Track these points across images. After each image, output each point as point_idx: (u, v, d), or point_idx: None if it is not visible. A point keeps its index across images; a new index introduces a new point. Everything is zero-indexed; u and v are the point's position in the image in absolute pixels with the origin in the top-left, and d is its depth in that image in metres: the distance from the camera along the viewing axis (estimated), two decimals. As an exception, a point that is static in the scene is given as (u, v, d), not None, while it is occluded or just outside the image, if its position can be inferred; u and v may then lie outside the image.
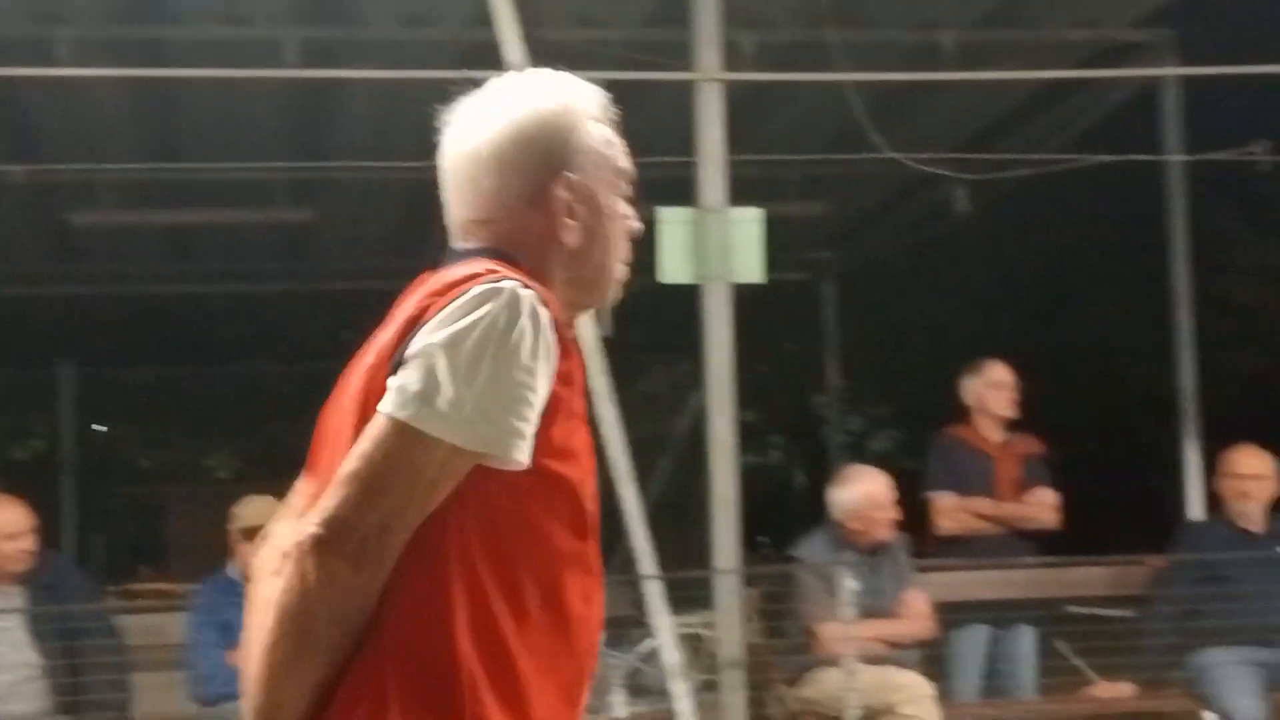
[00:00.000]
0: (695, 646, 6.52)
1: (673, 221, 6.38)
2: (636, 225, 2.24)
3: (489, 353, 1.97)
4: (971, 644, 6.87)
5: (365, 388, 2.04)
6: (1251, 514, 6.93)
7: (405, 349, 2.00)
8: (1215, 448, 7.38)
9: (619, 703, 6.72)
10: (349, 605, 1.95)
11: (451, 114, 2.21)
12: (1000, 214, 11.16)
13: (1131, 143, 8.11)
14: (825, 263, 12.03)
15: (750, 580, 6.80)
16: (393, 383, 1.98)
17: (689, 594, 6.78)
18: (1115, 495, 14.61)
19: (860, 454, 16.16)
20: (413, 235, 9.27)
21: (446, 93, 2.24)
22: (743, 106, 7.05)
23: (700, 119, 6.46)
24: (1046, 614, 7.01)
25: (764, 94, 7.85)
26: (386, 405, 1.98)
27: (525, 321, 1.98)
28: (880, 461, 8.95)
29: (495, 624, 1.98)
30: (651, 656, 6.55)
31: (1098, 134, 8.75)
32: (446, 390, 1.95)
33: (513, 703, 1.97)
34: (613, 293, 2.24)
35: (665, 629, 6.21)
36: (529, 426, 1.98)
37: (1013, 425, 7.10)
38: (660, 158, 5.22)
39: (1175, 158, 8.07)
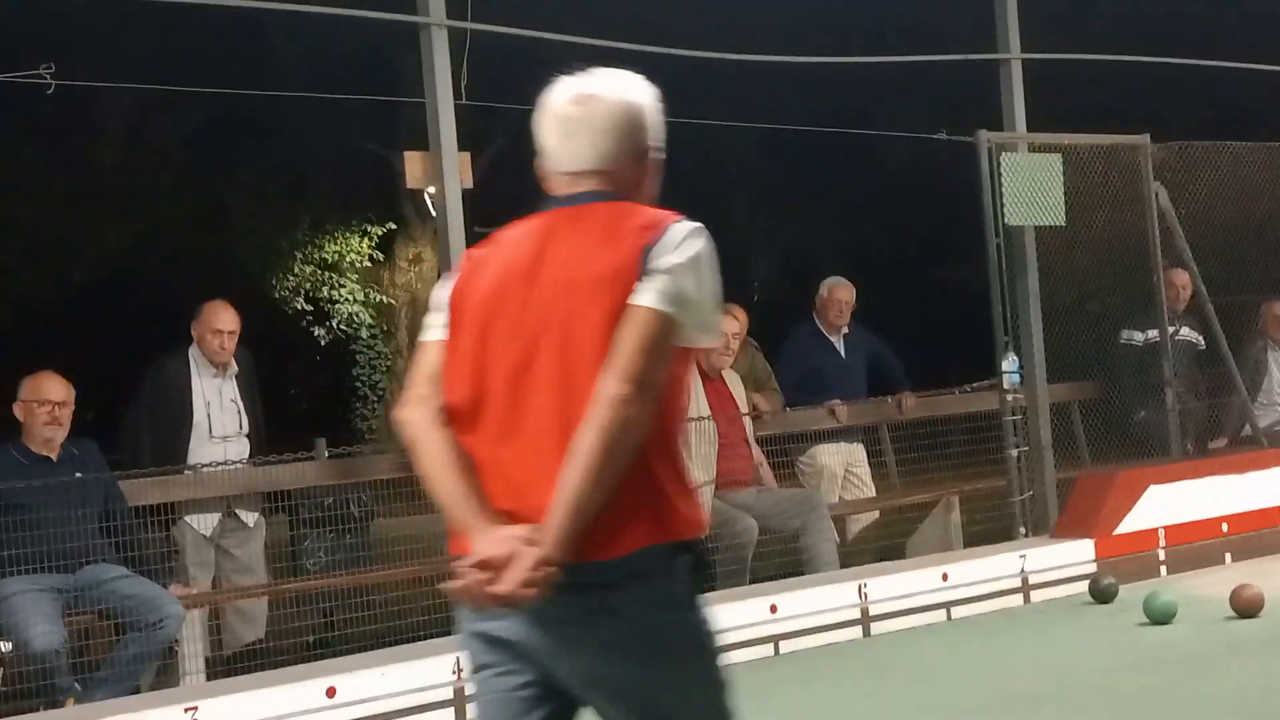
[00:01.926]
0: None
1: None
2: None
3: (708, 272, 2.97)
4: None
5: (614, 293, 2.89)
6: (48, 439, 6.93)
7: (645, 264, 2.90)
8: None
9: None
10: (641, 434, 2.87)
11: (557, 94, 3.06)
12: None
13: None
14: None
15: None
16: (649, 286, 2.89)
17: None
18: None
19: None
20: None
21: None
22: None
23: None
24: None
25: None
26: (651, 303, 2.89)
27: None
28: None
29: (673, 430, 2.98)
30: None
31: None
32: (691, 296, 2.92)
33: (682, 476, 3.00)
34: None
35: None
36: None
37: None
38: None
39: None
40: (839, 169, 20.94)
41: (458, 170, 7.45)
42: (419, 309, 18.80)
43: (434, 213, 9.09)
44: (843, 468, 9.46)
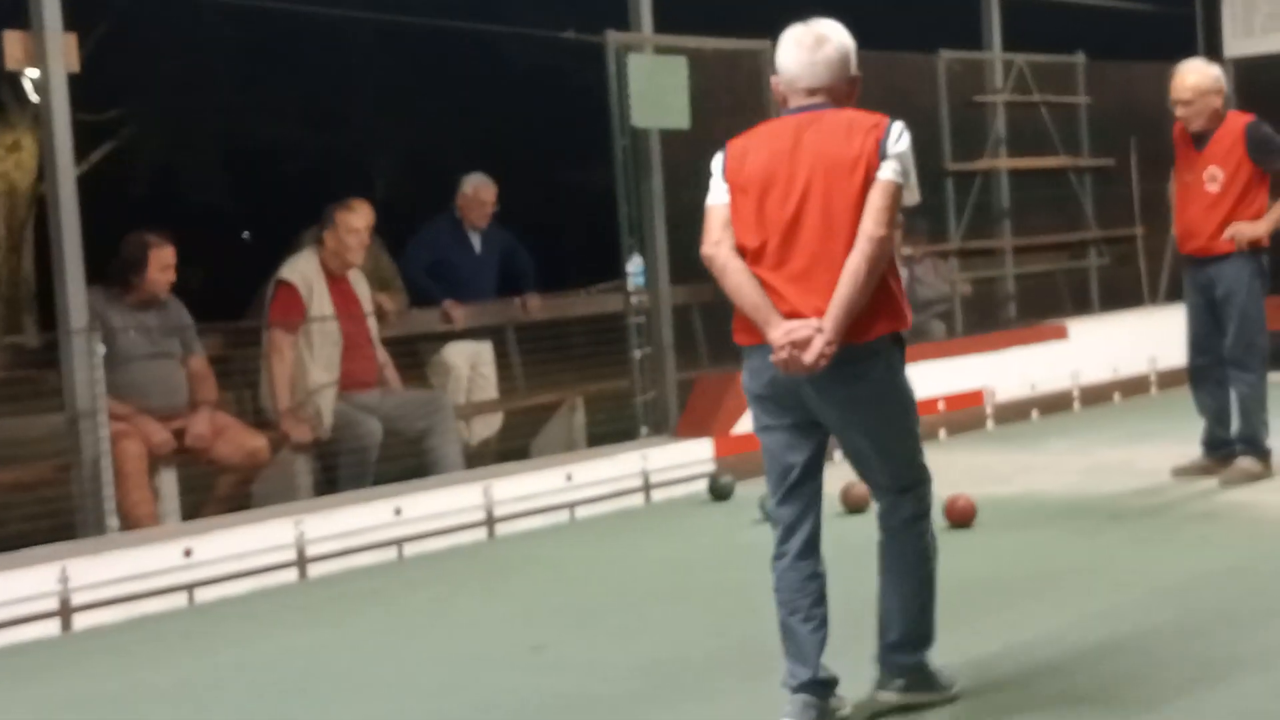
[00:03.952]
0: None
1: None
2: None
3: (911, 154, 4.38)
4: None
5: (863, 170, 4.30)
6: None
7: (883, 151, 4.30)
8: None
9: None
10: (886, 261, 4.31)
11: (793, 35, 4.46)
12: None
13: None
14: None
15: None
16: (886, 167, 4.30)
17: None
18: None
19: None
20: None
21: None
22: None
23: None
24: None
25: None
26: (890, 176, 4.30)
27: None
28: None
29: (894, 259, 4.45)
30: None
31: None
32: (910, 170, 4.35)
33: (902, 289, 4.47)
34: None
35: None
36: None
37: None
38: None
39: None
40: (465, 66, 20.70)
41: (62, 52, 7.00)
42: (18, 199, 17.79)
43: (35, 97, 8.54)
44: (469, 368, 9.39)
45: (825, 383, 4.33)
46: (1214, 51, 13.19)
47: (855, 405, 4.39)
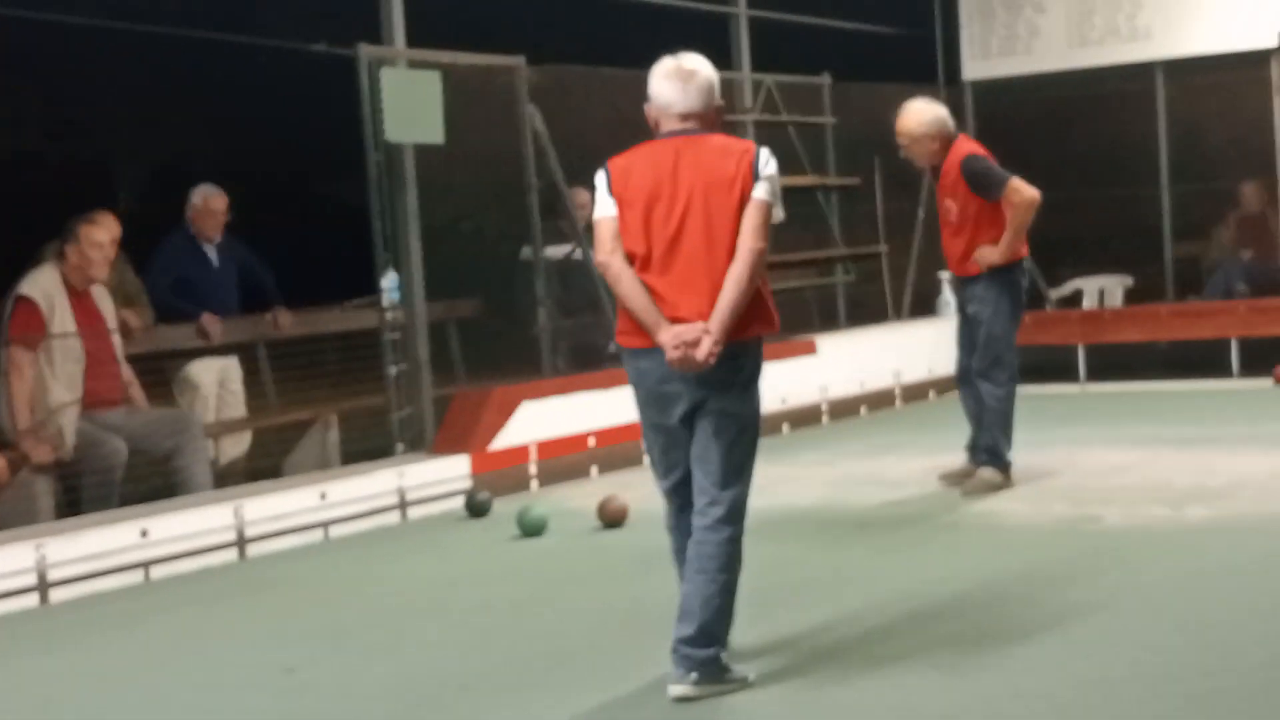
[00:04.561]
0: None
1: None
2: None
3: (778, 176, 4.98)
4: None
5: (739, 189, 4.86)
6: None
7: (756, 173, 4.87)
8: None
9: None
10: (761, 271, 4.90)
11: (666, 67, 5.01)
12: None
13: None
14: None
15: None
16: (760, 188, 4.87)
17: None
18: None
19: None
20: None
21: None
22: None
23: None
24: None
25: None
26: (763, 196, 4.88)
27: None
28: None
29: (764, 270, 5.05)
30: None
31: None
32: (777, 192, 4.93)
33: (769, 295, 5.01)
34: None
35: None
36: None
37: None
38: None
39: None
40: (213, 77, 20.28)
41: None
42: None
43: None
44: (218, 385, 9.19)
45: (709, 376, 4.87)
46: (952, 74, 13.66)
47: (725, 390, 4.91)
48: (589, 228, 10.20)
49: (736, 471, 4.94)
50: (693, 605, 4.81)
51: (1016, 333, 8.13)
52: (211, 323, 9.01)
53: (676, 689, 4.77)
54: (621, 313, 4.98)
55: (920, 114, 8.02)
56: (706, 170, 4.87)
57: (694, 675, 4.77)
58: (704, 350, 4.79)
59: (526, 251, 10.01)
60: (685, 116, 4.95)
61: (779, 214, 4.95)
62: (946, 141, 8.02)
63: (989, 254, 7.91)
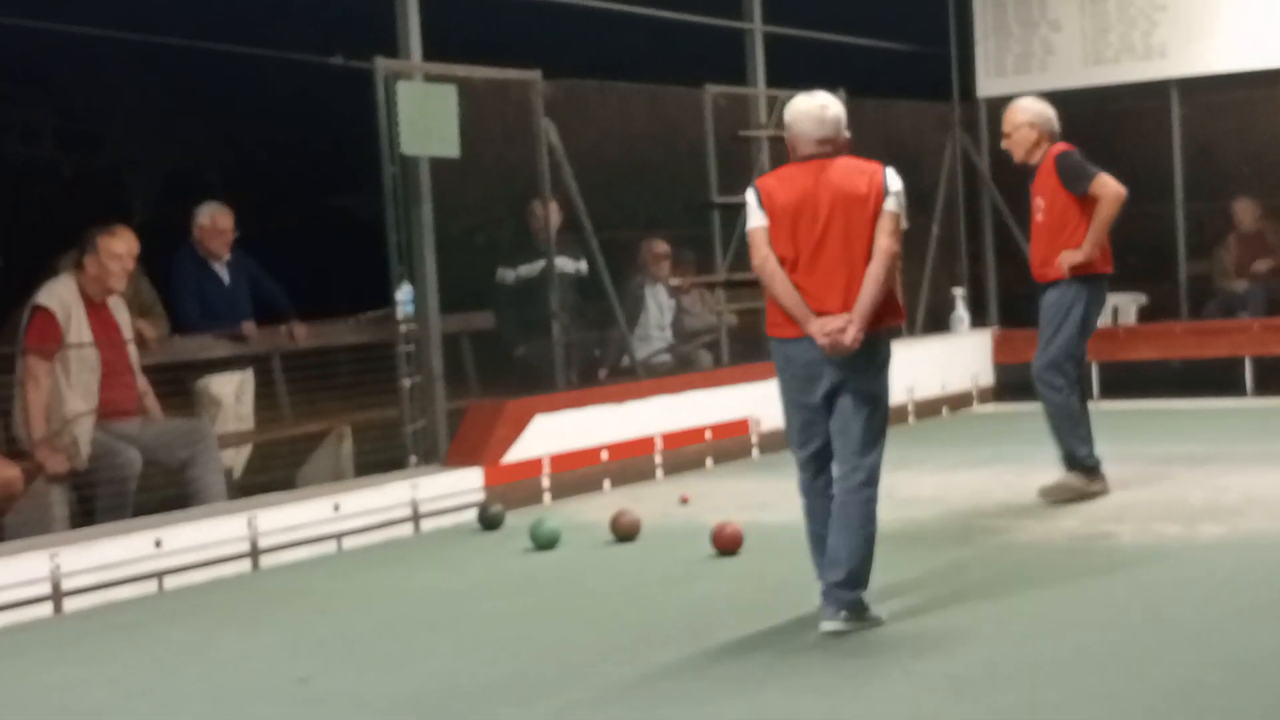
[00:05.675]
0: None
1: None
2: None
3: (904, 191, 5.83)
4: None
5: (872, 203, 5.71)
6: None
7: (886, 189, 5.72)
8: None
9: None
10: (895, 270, 5.71)
11: (804, 103, 5.87)
12: None
13: None
14: None
15: None
16: (890, 201, 5.72)
17: None
18: None
19: None
20: None
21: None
22: None
23: None
24: None
25: None
26: (893, 208, 5.72)
27: None
28: None
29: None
30: None
31: None
32: (903, 204, 5.77)
33: (898, 294, 5.86)
34: None
35: None
36: None
37: None
38: None
39: None
40: (229, 89, 20.37)
41: None
42: None
43: None
44: (234, 397, 9.21)
45: (852, 360, 5.68)
46: (967, 91, 13.67)
47: (863, 372, 5.71)
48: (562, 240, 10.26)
49: (873, 441, 5.75)
50: (840, 555, 5.65)
51: (1084, 346, 8.14)
52: (251, 330, 9.06)
53: (829, 625, 5.61)
54: (771, 307, 5.80)
55: (1026, 104, 8.24)
56: (843, 187, 5.72)
57: (843, 614, 5.61)
58: (849, 336, 5.61)
59: (502, 273, 10.15)
60: (822, 142, 5.79)
61: (904, 222, 5.78)
62: (1046, 137, 8.12)
63: (1071, 255, 7.97)
